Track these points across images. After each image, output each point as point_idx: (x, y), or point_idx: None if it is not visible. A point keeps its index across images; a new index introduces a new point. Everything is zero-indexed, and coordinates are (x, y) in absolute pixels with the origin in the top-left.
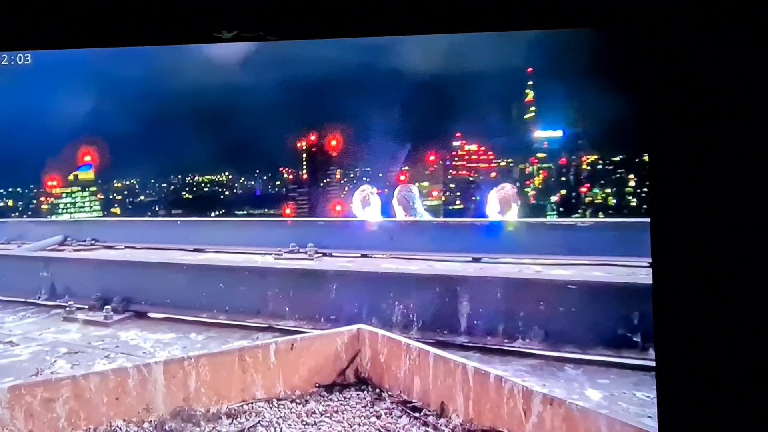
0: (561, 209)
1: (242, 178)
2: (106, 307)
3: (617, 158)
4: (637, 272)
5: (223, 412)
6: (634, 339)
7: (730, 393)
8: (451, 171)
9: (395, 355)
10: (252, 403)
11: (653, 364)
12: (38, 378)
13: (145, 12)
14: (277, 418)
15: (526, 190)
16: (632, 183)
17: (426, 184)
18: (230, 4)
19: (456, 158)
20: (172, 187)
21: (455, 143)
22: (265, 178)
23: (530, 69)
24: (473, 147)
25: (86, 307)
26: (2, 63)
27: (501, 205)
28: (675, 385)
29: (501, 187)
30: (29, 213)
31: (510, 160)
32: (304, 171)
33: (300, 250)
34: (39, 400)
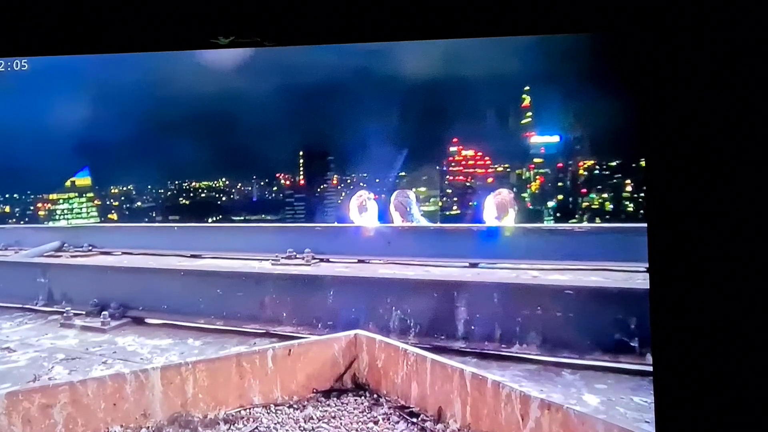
0: (558, 214)
1: (239, 184)
2: (104, 313)
3: (614, 163)
4: (635, 277)
5: (220, 418)
6: (632, 344)
7: (727, 398)
8: (448, 176)
9: (393, 360)
10: (249, 409)
11: (651, 369)
12: (36, 384)
13: (142, 18)
14: (275, 424)
15: (523, 195)
16: (629, 188)
17: (423, 189)
18: (227, 11)
19: (453, 164)
20: (169, 193)
21: (452, 149)
22: (261, 183)
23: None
24: (470, 152)
25: (83, 313)
26: None
27: (498, 210)
28: (672, 391)
29: (498, 193)
30: (26, 219)
31: (507, 166)
32: (301, 176)
33: (297, 256)
34: (36, 406)
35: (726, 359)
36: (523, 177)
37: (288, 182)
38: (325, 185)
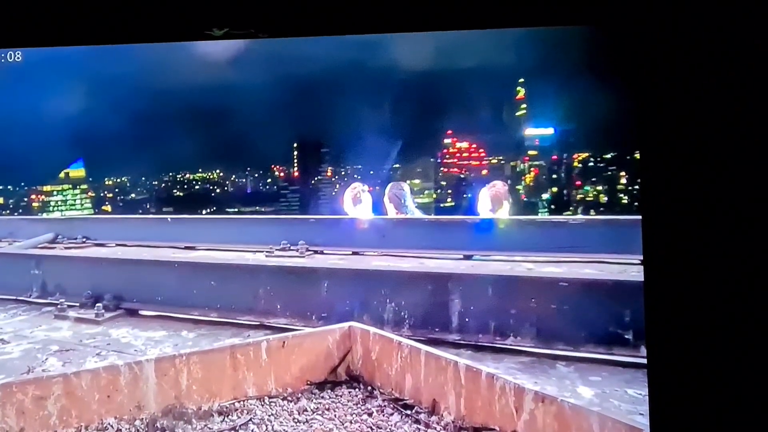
0: (553, 206)
1: (233, 176)
2: (98, 304)
3: (609, 155)
4: (629, 269)
5: (214, 410)
6: (626, 336)
7: (721, 390)
8: (442, 168)
9: (387, 352)
10: (243, 401)
11: (645, 361)
12: (30, 376)
13: (136, 9)
14: (269, 416)
15: (517, 187)
16: (624, 180)
17: (417, 181)
18: (221, 2)
19: (447, 156)
20: (163, 184)
21: (446, 141)
22: (256, 175)
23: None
24: (464, 144)
25: (77, 304)
26: None
27: (492, 202)
28: (666, 383)
29: (492, 185)
30: (20, 211)
31: (501, 158)
32: (295, 168)
33: (291, 248)
34: (30, 398)
35: (720, 352)
36: (518, 169)
37: (282, 174)
38: (319, 177)
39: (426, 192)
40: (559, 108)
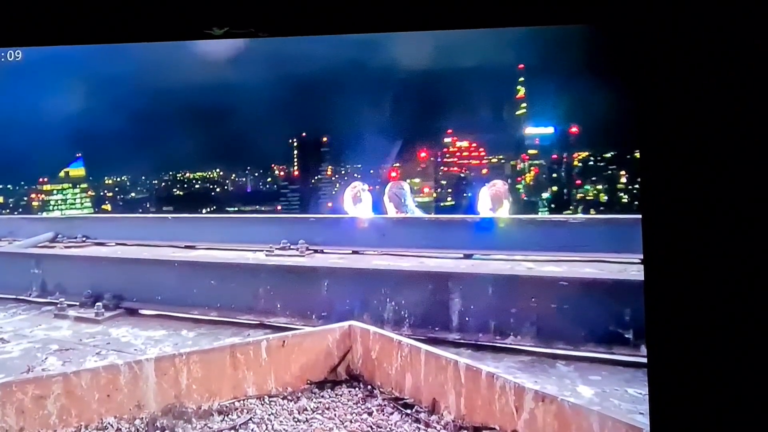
0: (553, 205)
1: (233, 175)
2: (98, 303)
3: (609, 155)
4: (629, 269)
5: (214, 409)
6: (626, 336)
7: (721, 389)
8: (442, 168)
9: (387, 351)
10: (243, 400)
11: (645, 360)
12: (29, 375)
13: (136, 8)
14: (269, 415)
15: (517, 186)
16: (624, 179)
17: (417, 180)
18: (221, 1)
19: (447, 155)
20: (163, 183)
21: (446, 140)
22: (256, 174)
23: (521, 66)
24: (464, 144)
25: (77, 304)
26: None
27: (492, 201)
28: (666, 382)
29: (492, 184)
30: (20, 210)
31: (501, 157)
32: (296, 167)
33: (291, 247)
34: (30, 397)
35: (720, 351)
36: (518, 168)
37: (282, 173)
38: (319, 176)
39: (426, 191)
40: (559, 107)
